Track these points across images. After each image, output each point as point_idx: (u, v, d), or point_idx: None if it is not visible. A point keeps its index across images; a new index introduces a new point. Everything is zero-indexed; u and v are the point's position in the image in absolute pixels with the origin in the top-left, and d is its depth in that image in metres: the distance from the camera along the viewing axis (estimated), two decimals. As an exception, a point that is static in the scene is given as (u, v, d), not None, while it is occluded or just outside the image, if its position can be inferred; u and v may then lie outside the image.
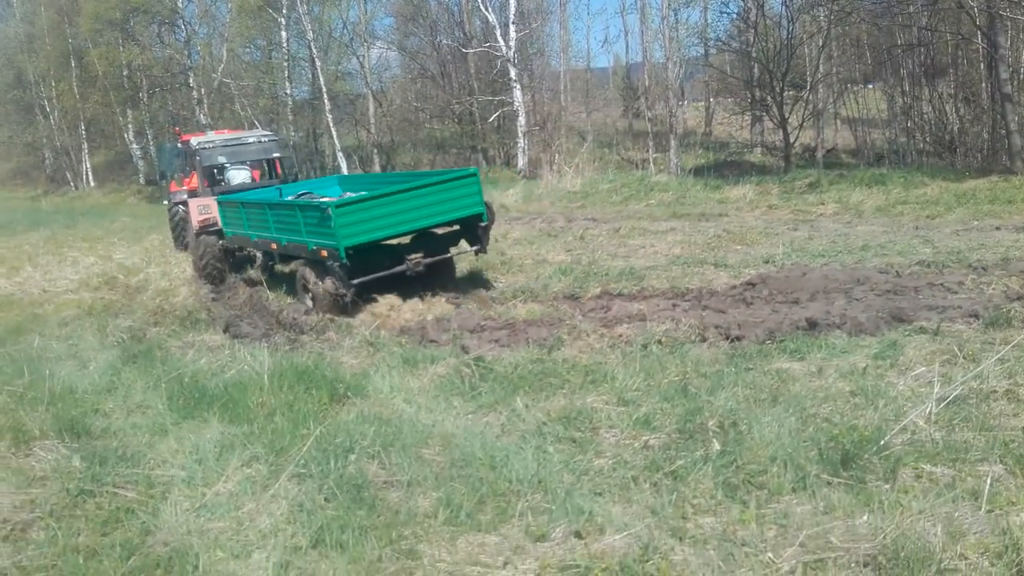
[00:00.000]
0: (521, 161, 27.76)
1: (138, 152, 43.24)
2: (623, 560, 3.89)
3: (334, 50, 35.06)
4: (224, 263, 13.19)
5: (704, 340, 7.39)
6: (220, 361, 7.93)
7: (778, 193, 17.52)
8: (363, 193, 10.69)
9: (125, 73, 39.31)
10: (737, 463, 4.67)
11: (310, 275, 10.18)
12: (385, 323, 9.34)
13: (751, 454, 4.73)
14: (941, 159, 20.03)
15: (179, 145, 16.33)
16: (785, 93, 23.18)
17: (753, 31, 24.54)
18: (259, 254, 12.11)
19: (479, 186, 10.31)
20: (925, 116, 21.39)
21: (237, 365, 7.57)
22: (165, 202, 18.73)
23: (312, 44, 32.18)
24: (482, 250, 10.63)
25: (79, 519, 4.81)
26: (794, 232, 13.13)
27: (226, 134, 16.26)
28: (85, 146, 45.76)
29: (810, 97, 24.57)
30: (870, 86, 26.47)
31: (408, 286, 10.23)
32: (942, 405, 5.10)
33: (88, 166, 45.95)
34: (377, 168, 33.15)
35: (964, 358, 6.09)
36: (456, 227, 10.61)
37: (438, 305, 9.96)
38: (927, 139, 21.38)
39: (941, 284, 8.53)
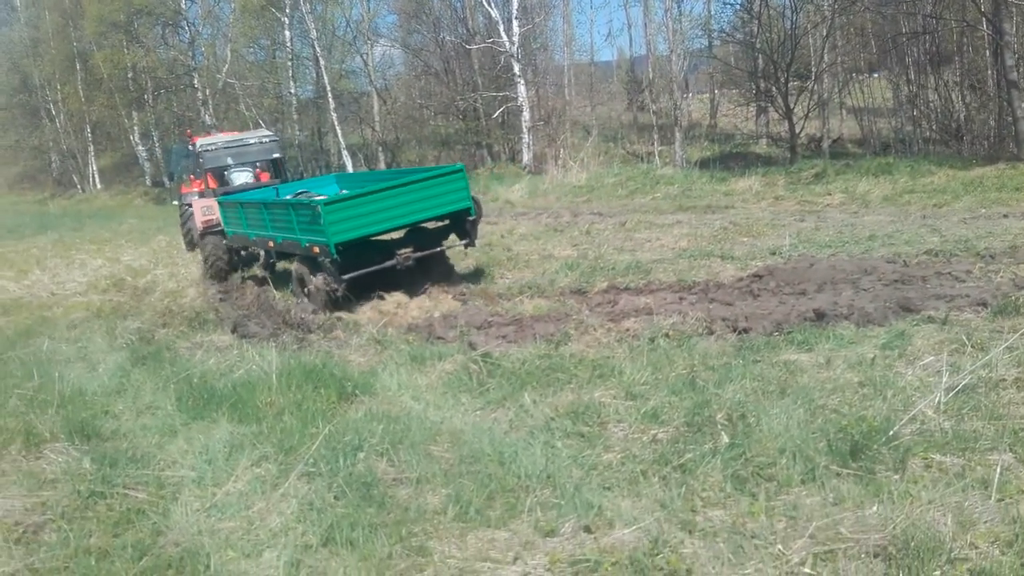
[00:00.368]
0: (526, 156, 27.72)
1: (144, 154, 43.37)
2: (633, 554, 3.89)
3: (338, 48, 35.06)
4: (229, 262, 13.51)
5: (711, 333, 7.37)
6: (228, 361, 7.96)
7: (784, 184, 17.46)
8: (345, 191, 11.13)
9: (130, 75, 39.39)
10: (746, 455, 4.67)
11: (305, 271, 10.49)
12: (392, 321, 9.37)
13: (760, 446, 4.73)
14: (948, 147, 19.91)
15: (189, 147, 16.44)
16: (790, 83, 23.07)
17: (757, 22, 24.43)
18: (262, 252, 12.39)
19: (466, 182, 10.60)
20: (931, 104, 21.27)
21: (245, 365, 7.59)
22: (175, 203, 18.84)
23: (316, 43, 32.18)
24: (471, 244, 10.99)
25: (90, 521, 4.84)
26: (801, 223, 13.09)
27: (229, 135, 16.38)
28: (91, 149, 45.92)
29: (815, 87, 24.44)
30: (875, 75, 26.32)
31: (402, 280, 10.45)
32: (951, 394, 5.08)
33: (94, 169, 46.11)
34: (383, 166, 33.17)
35: (973, 347, 6.07)
36: (446, 222, 10.91)
37: (445, 302, 10.02)
38: (933, 127, 21.25)
39: (949, 273, 8.50)
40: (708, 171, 21.34)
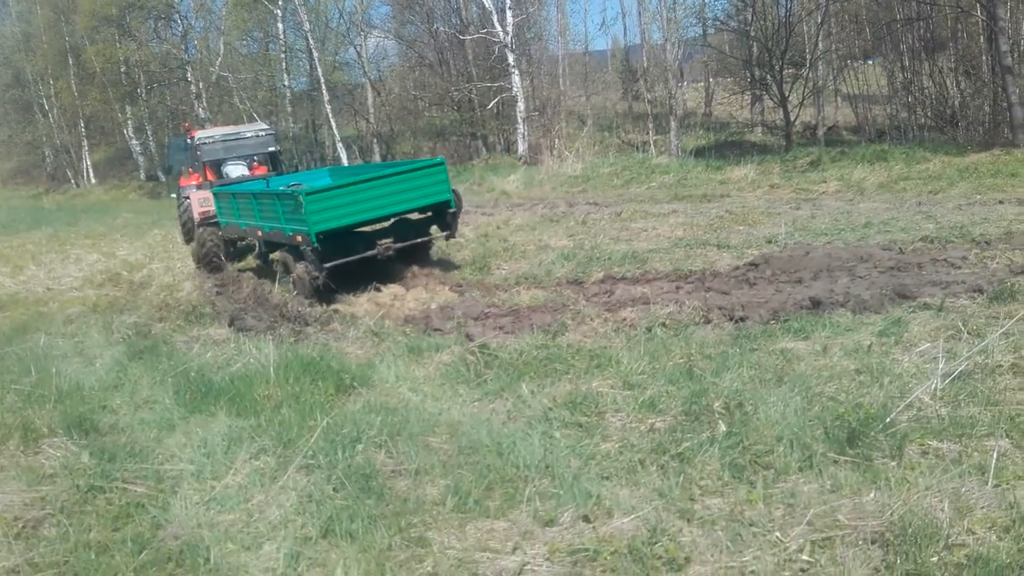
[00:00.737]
0: (521, 147, 27.67)
1: (138, 148, 43.28)
2: (631, 543, 3.90)
3: (331, 40, 34.96)
4: (223, 252, 13.75)
5: (708, 322, 7.38)
6: (226, 354, 7.95)
7: (779, 172, 17.46)
8: (328, 181, 11.75)
9: (123, 69, 39.28)
10: (743, 444, 4.68)
11: (289, 259, 10.82)
12: (389, 313, 9.38)
13: (757, 434, 4.74)
14: (943, 134, 19.92)
15: (188, 140, 16.47)
16: (784, 71, 23.07)
17: (751, 9, 24.41)
18: (256, 242, 12.69)
19: (446, 174, 10.88)
20: (926, 91, 21.24)
21: (243, 358, 7.58)
22: (173, 195, 18.86)
23: (309, 35, 32.08)
24: (452, 235, 11.31)
25: (90, 515, 4.83)
26: (796, 211, 13.10)
27: (227, 129, 16.45)
28: (85, 143, 45.80)
29: (810, 75, 24.43)
30: (870, 62, 26.27)
31: (382, 269, 10.69)
32: (947, 381, 5.10)
33: (88, 163, 45.98)
34: (378, 158, 33.09)
35: (969, 333, 6.09)
36: (428, 214, 11.23)
37: (442, 293, 10.04)
38: (928, 114, 21.24)
39: (944, 259, 8.51)
40: (703, 160, 21.33)
